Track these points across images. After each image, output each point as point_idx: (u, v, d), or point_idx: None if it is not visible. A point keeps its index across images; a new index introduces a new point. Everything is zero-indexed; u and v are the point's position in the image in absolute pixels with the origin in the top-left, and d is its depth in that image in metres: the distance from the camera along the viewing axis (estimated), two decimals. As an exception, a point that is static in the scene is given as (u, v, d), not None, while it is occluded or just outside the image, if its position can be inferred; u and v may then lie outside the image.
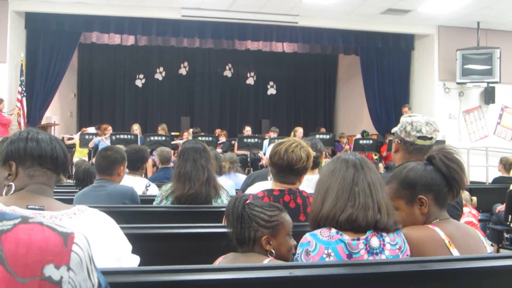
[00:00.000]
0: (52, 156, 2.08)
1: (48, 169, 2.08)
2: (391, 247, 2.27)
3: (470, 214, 6.97)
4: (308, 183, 3.73)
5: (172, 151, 9.05)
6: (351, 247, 2.23)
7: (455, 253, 2.28)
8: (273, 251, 2.36)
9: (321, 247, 2.23)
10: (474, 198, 7.34)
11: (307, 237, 2.30)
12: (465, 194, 6.99)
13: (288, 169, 3.21)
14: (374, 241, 2.26)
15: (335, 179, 2.39)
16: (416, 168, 2.44)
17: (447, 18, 13.42)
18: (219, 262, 2.38)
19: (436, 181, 2.40)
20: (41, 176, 2.06)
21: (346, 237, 2.24)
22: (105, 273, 1.53)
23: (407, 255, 2.31)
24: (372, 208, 2.29)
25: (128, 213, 4.01)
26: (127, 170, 5.57)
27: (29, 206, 1.97)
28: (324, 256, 2.21)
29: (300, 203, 3.23)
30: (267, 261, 2.28)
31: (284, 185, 3.25)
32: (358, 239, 2.25)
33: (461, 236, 2.37)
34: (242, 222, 2.38)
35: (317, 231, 2.30)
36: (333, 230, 2.26)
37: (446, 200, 2.46)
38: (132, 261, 2.21)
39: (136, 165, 5.51)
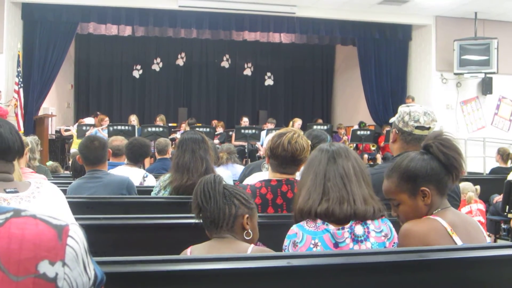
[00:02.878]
0: (10, 149, 2.08)
1: (6, 160, 2.09)
2: (376, 234, 2.31)
3: (478, 211, 6.92)
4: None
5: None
6: (337, 236, 2.26)
7: (458, 240, 2.27)
8: (250, 232, 2.34)
9: (307, 238, 2.26)
10: (478, 187, 7.29)
11: (293, 228, 2.33)
12: (468, 185, 6.94)
13: (291, 160, 3.21)
14: (358, 229, 2.30)
15: (308, 174, 2.43)
16: (414, 159, 2.40)
17: (444, 8, 13.39)
18: (193, 252, 2.31)
19: (436, 170, 2.37)
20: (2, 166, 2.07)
21: (331, 226, 2.28)
22: (102, 263, 1.52)
23: (394, 242, 2.33)
24: (347, 201, 2.32)
25: (126, 204, 4.02)
26: (126, 161, 5.61)
27: (7, 190, 1.98)
28: (311, 246, 2.25)
29: None
30: (250, 248, 2.25)
31: (283, 175, 3.25)
32: (343, 228, 2.28)
33: (461, 224, 2.36)
34: (224, 197, 2.31)
35: (303, 222, 2.33)
36: (319, 221, 2.30)
37: (447, 187, 2.43)
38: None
39: (138, 159, 5.60)
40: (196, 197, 2.35)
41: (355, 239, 2.27)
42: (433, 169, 2.37)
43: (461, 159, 2.41)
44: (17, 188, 2.04)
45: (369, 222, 2.31)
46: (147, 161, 11.15)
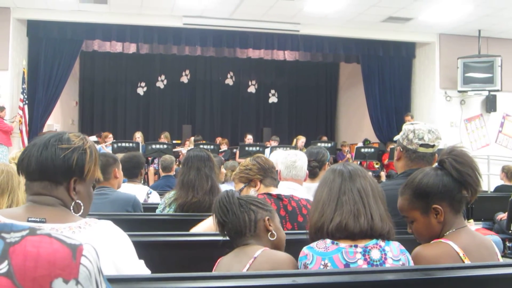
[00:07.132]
0: (31, 166, 1.85)
1: (31, 180, 1.87)
2: (394, 262, 2.23)
3: None
4: (308, 191, 3.83)
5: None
6: (348, 255, 2.20)
7: None
8: (274, 233, 2.41)
9: (317, 259, 2.22)
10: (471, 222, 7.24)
11: (304, 250, 2.29)
12: None
13: None
14: (375, 253, 2.22)
15: (322, 191, 2.39)
16: (427, 176, 2.38)
17: (448, 26, 13.44)
18: (219, 263, 2.37)
19: (449, 187, 2.34)
20: (29, 189, 1.87)
21: (343, 244, 2.23)
22: (111, 280, 1.52)
23: None
24: (364, 214, 2.27)
25: (131, 221, 4.01)
26: (125, 178, 5.55)
27: (29, 219, 1.79)
28: (321, 267, 2.20)
29: (295, 206, 3.32)
30: (260, 251, 2.26)
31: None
32: (356, 246, 2.22)
33: (475, 247, 2.32)
34: (240, 207, 2.40)
35: (313, 244, 2.28)
36: (328, 241, 2.25)
37: (462, 204, 2.40)
38: None
39: (133, 172, 5.44)
40: (215, 215, 2.44)
41: (371, 263, 2.20)
42: (446, 186, 2.34)
43: (476, 172, 2.37)
44: (45, 218, 1.80)
45: (387, 249, 2.24)
46: (152, 178, 11.16)
